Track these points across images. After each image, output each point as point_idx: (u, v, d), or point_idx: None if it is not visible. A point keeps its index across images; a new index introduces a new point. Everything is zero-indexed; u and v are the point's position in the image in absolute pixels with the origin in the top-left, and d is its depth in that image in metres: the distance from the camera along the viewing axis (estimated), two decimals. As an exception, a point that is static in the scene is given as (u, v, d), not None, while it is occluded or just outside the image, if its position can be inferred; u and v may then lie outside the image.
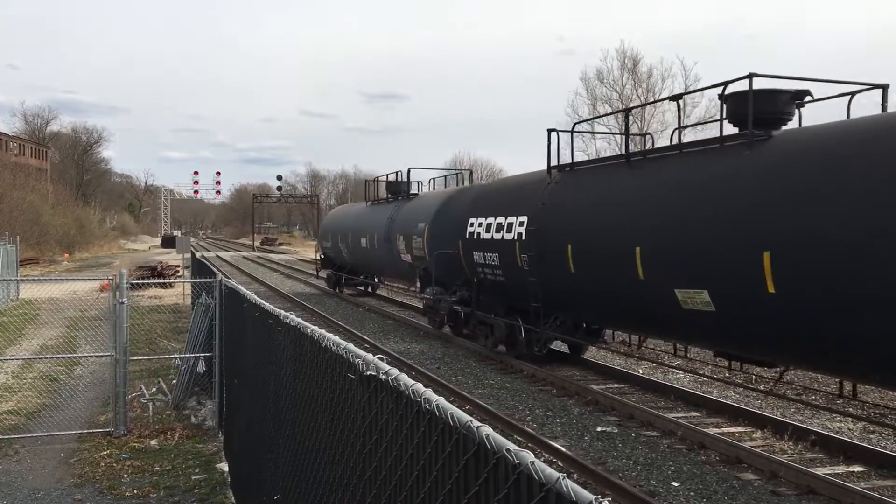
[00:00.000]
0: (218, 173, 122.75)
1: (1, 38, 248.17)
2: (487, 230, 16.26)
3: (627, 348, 18.40)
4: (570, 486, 1.72)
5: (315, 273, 39.11)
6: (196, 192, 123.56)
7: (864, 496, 7.95)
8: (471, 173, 27.97)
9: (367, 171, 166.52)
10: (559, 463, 9.48)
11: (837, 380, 13.65)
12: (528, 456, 1.95)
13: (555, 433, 11.12)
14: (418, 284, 21.83)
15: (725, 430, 11.11)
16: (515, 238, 14.94)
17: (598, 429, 11.34)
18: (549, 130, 15.49)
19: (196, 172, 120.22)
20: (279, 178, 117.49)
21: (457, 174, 27.61)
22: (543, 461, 8.47)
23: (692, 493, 8.54)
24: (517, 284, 15.18)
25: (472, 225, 17.09)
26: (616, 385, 14.44)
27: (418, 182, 28.80)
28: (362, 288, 34.07)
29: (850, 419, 11.96)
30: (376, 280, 33.14)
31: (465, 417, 2.33)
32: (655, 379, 14.69)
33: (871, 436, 11.03)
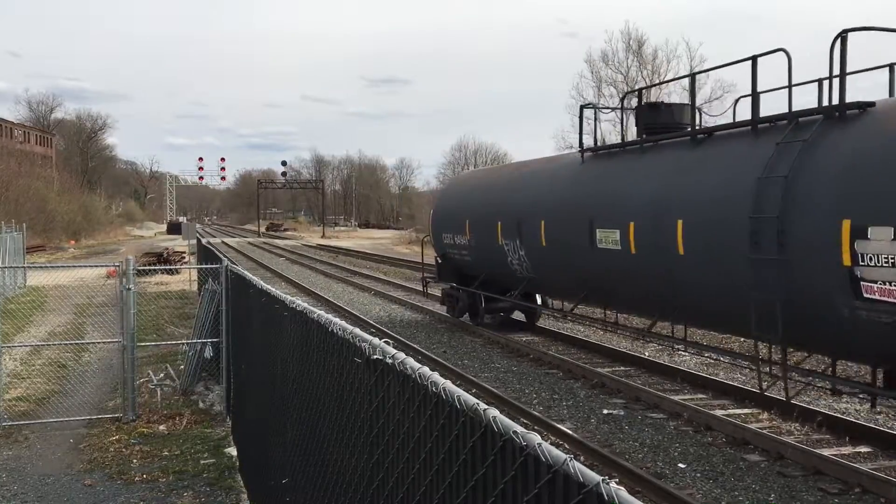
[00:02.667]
0: (222, 159, 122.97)
1: (1, 25, 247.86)
2: None
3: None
4: (578, 467, 1.73)
5: (422, 289, 22.77)
6: (201, 178, 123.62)
7: (871, 476, 7.96)
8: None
9: (371, 156, 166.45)
10: (566, 445, 9.51)
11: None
12: (536, 438, 1.95)
13: (561, 416, 11.15)
14: None
15: (732, 411, 11.12)
16: None
17: (605, 411, 11.36)
18: None
19: (201, 159, 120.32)
20: (284, 163, 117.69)
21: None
22: (550, 444, 8.48)
23: (699, 475, 8.56)
24: None
25: None
26: (622, 367, 14.46)
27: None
28: (501, 314, 19.24)
29: (857, 400, 11.96)
30: (540, 302, 18.34)
31: (472, 400, 2.33)
32: (662, 361, 14.71)
33: (878, 416, 11.03)
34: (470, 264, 18.68)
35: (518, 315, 19.51)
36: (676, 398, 11.64)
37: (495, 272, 17.44)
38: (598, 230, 12.43)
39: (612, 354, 15.61)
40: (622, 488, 1.60)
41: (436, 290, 21.91)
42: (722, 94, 55.19)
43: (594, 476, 1.66)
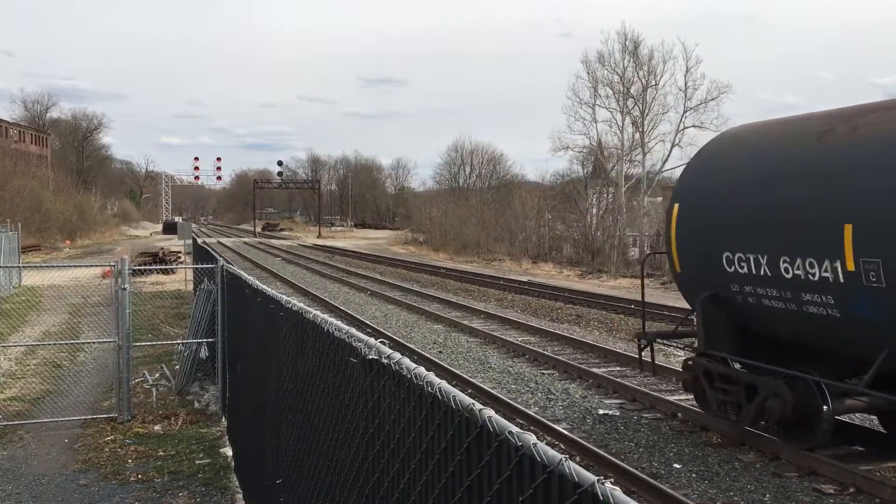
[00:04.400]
0: (218, 159, 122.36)
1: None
2: None
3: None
4: (573, 467, 1.73)
5: (639, 355, 11.80)
6: (197, 177, 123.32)
7: (865, 477, 7.98)
8: None
9: (367, 156, 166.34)
10: (561, 445, 9.51)
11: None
12: (531, 438, 1.95)
13: (557, 416, 11.15)
14: None
15: (727, 412, 11.13)
16: None
17: (601, 412, 11.37)
18: None
19: (196, 158, 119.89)
20: (280, 163, 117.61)
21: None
22: (546, 444, 8.46)
23: (694, 475, 8.57)
24: None
25: None
26: (618, 368, 14.48)
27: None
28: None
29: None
30: None
31: (468, 400, 2.33)
32: (657, 362, 14.70)
33: (873, 418, 11.04)
34: (835, 326, 8.23)
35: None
36: (672, 398, 11.66)
37: None
38: None
39: (607, 355, 15.62)
40: (617, 488, 1.60)
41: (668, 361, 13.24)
42: (718, 95, 55.25)
43: (589, 476, 1.66)
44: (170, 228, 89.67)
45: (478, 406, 2.27)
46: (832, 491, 7.95)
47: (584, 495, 1.65)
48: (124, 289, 10.39)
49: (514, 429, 2.03)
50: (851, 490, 7.91)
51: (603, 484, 1.61)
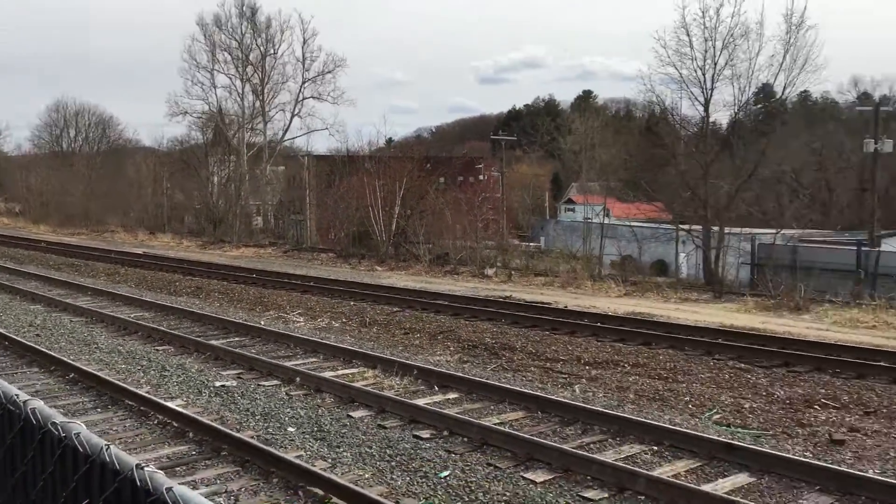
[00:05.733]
0: None
1: None
2: None
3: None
4: (115, 453, 1.63)
5: None
6: None
7: (456, 420, 8.94)
8: None
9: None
10: (174, 424, 9.16)
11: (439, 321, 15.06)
12: (75, 427, 1.80)
13: (171, 393, 10.73)
14: None
15: (341, 372, 11.68)
16: None
17: (217, 384, 11.19)
18: None
19: None
20: None
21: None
22: (157, 423, 7.96)
23: (307, 436, 8.84)
24: None
25: None
26: (237, 338, 14.37)
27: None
28: None
29: (448, 352, 13.33)
30: None
31: (12, 391, 2.09)
32: (276, 329, 14.91)
33: (465, 366, 12.39)
34: None
35: None
36: (289, 364, 11.91)
37: None
38: None
39: (227, 325, 15.43)
40: (158, 472, 1.53)
41: None
42: (334, 68, 56.93)
43: (130, 461, 1.58)
44: None
45: (23, 396, 2.04)
46: (428, 435, 8.75)
47: (123, 483, 1.56)
48: None
49: (60, 418, 1.86)
50: (445, 433, 8.79)
51: (142, 469, 1.53)
